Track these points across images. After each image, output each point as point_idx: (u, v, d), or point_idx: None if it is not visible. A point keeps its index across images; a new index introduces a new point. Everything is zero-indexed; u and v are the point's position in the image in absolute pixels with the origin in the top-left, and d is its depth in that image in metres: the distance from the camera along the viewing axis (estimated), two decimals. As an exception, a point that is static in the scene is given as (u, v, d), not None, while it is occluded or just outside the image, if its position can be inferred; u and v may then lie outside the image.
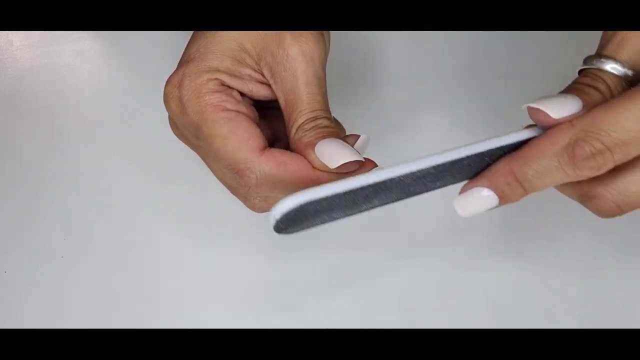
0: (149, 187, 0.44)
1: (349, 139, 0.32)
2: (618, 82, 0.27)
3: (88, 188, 0.44)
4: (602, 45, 0.28)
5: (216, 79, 0.31)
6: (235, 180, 0.32)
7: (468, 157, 0.27)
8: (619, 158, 0.26)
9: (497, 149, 0.28)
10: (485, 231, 0.42)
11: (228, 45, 0.32)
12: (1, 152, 0.45)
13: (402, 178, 0.27)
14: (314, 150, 0.31)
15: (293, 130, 0.32)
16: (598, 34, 0.29)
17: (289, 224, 0.26)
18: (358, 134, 0.33)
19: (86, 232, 0.43)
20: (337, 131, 0.32)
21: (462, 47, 0.47)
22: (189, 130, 0.32)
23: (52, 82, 0.47)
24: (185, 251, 0.42)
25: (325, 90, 0.32)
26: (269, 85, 0.33)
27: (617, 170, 0.27)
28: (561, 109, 0.26)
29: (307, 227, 0.27)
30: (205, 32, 0.33)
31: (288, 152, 0.31)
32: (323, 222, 0.27)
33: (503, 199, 0.28)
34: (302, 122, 0.31)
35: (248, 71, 0.32)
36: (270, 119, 0.35)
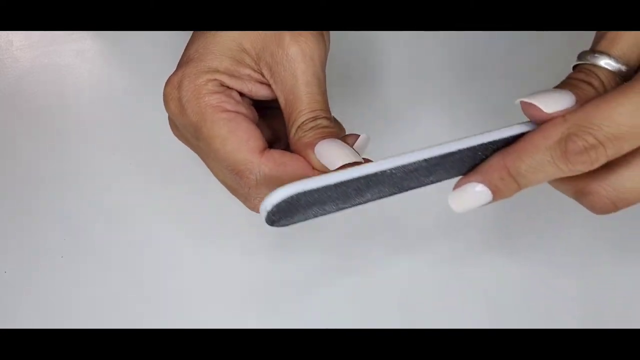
0: (149, 187, 0.44)
1: (349, 139, 0.32)
2: (612, 78, 0.27)
3: (88, 188, 0.44)
4: (596, 41, 0.28)
5: (215, 79, 0.31)
6: (235, 181, 0.32)
7: (460, 151, 0.27)
8: (611, 153, 0.26)
9: (490, 143, 0.28)
10: (484, 227, 0.42)
11: (227, 46, 0.32)
12: (1, 152, 0.45)
13: (393, 171, 0.27)
14: (313, 151, 0.31)
15: (293, 130, 0.32)
16: (598, 34, 0.29)
17: (280, 215, 0.26)
18: (358, 133, 0.33)
19: (86, 232, 0.43)
20: (336, 131, 0.32)
21: (462, 47, 0.47)
22: (188, 131, 0.32)
23: (52, 82, 0.47)
24: (185, 251, 0.42)
25: (325, 90, 0.32)
26: (268, 85, 0.33)
27: (612, 166, 0.27)
28: (554, 103, 0.27)
29: (300, 219, 0.27)
30: (204, 32, 0.33)
31: (288, 153, 0.31)
32: (316, 215, 0.27)
33: (497, 194, 0.28)
34: (302, 122, 0.31)
35: (247, 71, 0.32)
36: (270, 118, 0.35)
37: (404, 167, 0.27)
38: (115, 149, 0.45)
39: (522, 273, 0.41)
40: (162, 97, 0.33)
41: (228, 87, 0.32)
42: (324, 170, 0.31)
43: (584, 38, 0.30)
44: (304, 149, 0.31)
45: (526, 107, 0.27)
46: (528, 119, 0.28)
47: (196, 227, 0.43)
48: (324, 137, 0.31)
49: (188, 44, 0.33)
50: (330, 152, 0.30)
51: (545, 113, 0.26)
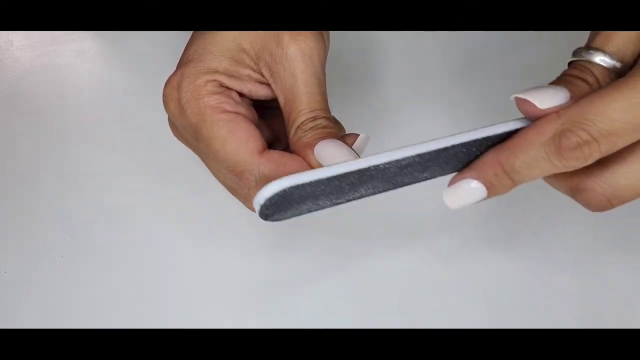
0: (149, 187, 0.44)
1: (348, 138, 0.32)
2: (606, 74, 0.27)
3: (88, 188, 0.44)
4: (591, 37, 0.28)
5: (215, 80, 0.31)
6: (234, 181, 0.31)
7: (454, 147, 0.27)
8: (605, 149, 0.26)
9: (484, 139, 0.27)
10: (481, 224, 0.42)
11: (226, 46, 0.32)
12: (1, 152, 0.45)
13: (386, 166, 0.27)
14: (312, 152, 0.31)
15: (292, 130, 0.32)
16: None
17: (274, 209, 0.26)
18: (357, 133, 0.33)
19: (86, 232, 0.43)
20: (336, 131, 0.32)
21: (462, 47, 0.47)
22: (188, 131, 0.32)
23: (52, 82, 0.47)
24: (185, 251, 0.42)
25: (325, 90, 0.32)
26: (268, 85, 0.33)
27: (607, 163, 0.27)
28: (548, 99, 0.26)
29: (294, 214, 0.27)
30: (203, 32, 0.33)
31: (287, 154, 0.31)
32: (310, 209, 0.27)
33: (491, 191, 0.28)
34: (302, 122, 0.31)
35: (247, 71, 0.32)
36: (269, 119, 0.35)
37: (397, 162, 0.27)
38: (115, 149, 0.45)
39: (521, 272, 0.41)
40: (161, 97, 0.33)
41: (227, 88, 0.32)
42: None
43: (584, 38, 0.30)
44: (303, 149, 0.31)
45: (520, 103, 0.27)
46: (522, 115, 0.28)
47: (196, 227, 0.43)
48: (323, 138, 0.31)
49: (187, 44, 0.33)
50: (330, 153, 0.30)
51: (540, 109, 0.26)
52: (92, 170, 0.44)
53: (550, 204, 0.41)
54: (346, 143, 0.31)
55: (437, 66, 0.46)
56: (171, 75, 0.32)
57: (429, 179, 0.28)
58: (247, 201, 0.33)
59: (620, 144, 0.26)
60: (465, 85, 0.45)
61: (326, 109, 0.32)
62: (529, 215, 0.42)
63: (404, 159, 0.27)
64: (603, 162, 0.27)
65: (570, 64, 0.29)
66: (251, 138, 0.31)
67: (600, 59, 0.27)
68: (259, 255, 0.42)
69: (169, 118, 0.34)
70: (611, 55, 0.27)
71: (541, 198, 0.41)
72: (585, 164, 0.26)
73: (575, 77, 0.27)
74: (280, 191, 0.26)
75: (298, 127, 0.31)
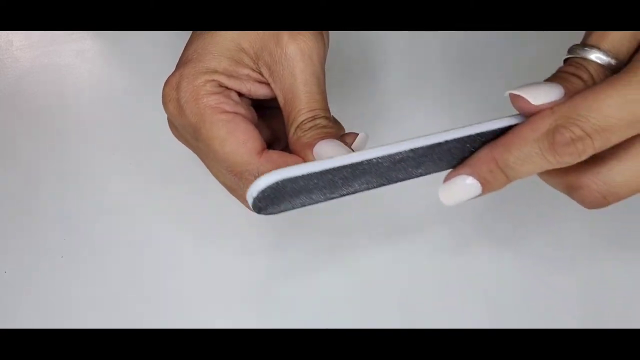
0: (149, 187, 0.44)
1: (347, 138, 0.32)
2: (601, 71, 0.27)
3: (88, 188, 0.44)
4: (587, 34, 0.28)
5: (214, 80, 0.31)
6: (234, 181, 0.31)
7: (447, 142, 0.27)
8: (598, 145, 0.25)
9: (478, 135, 0.27)
10: (484, 224, 0.42)
11: (226, 46, 0.32)
12: (1, 152, 0.45)
13: (379, 160, 0.27)
14: (312, 152, 0.30)
15: (292, 130, 0.32)
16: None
17: (267, 203, 0.26)
18: (356, 132, 0.33)
19: (86, 232, 0.43)
20: (335, 131, 0.32)
21: (462, 47, 0.47)
22: (187, 131, 0.32)
23: (52, 82, 0.47)
24: (185, 251, 0.42)
25: (324, 90, 0.32)
26: (268, 84, 0.33)
27: (602, 160, 0.27)
28: (542, 96, 0.26)
29: (287, 207, 0.27)
30: (203, 33, 0.33)
31: (286, 154, 0.31)
32: (304, 203, 0.27)
33: (486, 187, 0.28)
34: (301, 122, 0.31)
35: (246, 71, 0.32)
36: (269, 118, 0.35)
37: (390, 156, 0.27)
38: (115, 149, 0.45)
39: (520, 270, 0.41)
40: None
41: (227, 88, 0.32)
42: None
43: (584, 38, 0.30)
44: (302, 149, 0.31)
45: (515, 99, 0.27)
46: (517, 112, 0.28)
47: (196, 227, 0.43)
48: (322, 138, 0.31)
49: (187, 44, 0.33)
50: (329, 153, 0.30)
51: (534, 105, 0.26)
52: (92, 170, 0.44)
53: (546, 202, 0.41)
54: (345, 142, 0.31)
55: (437, 66, 0.46)
56: (170, 75, 0.32)
57: (423, 175, 0.28)
58: (246, 201, 0.33)
59: (614, 140, 0.26)
60: (465, 85, 0.45)
61: (326, 108, 0.32)
62: (526, 214, 0.42)
63: (397, 154, 0.27)
64: (598, 159, 0.27)
65: (565, 60, 0.29)
66: (250, 138, 0.31)
67: (596, 56, 0.27)
68: (259, 255, 0.42)
69: (168, 118, 0.34)
70: (606, 53, 0.27)
71: (537, 195, 0.41)
72: (579, 160, 0.26)
73: (570, 74, 0.27)
74: (273, 184, 0.26)
75: (297, 126, 0.31)
